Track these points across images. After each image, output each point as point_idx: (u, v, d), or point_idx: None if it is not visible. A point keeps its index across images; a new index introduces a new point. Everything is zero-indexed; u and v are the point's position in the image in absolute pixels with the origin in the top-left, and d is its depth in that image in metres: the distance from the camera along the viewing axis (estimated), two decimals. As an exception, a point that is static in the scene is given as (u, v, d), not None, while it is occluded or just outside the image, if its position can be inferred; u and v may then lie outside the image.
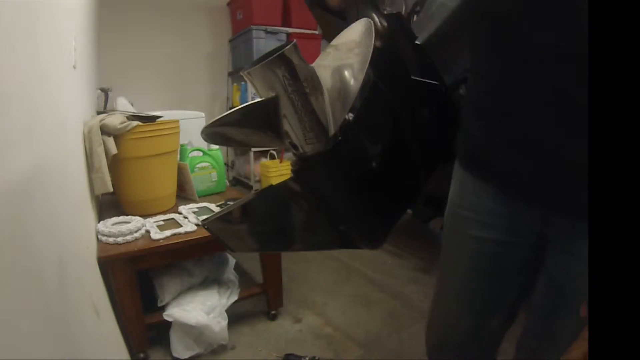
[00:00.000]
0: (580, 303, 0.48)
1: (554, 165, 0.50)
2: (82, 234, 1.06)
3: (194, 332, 1.35)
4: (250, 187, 3.38)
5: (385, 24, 0.62)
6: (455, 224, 0.68)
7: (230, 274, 1.61)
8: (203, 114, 2.39)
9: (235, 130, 0.55)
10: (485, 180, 0.61)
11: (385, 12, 0.64)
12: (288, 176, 0.56)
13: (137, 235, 1.28)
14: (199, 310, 1.35)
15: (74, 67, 1.23)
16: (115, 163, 1.35)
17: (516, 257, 0.62)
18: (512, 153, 0.54)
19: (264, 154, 3.28)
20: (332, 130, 0.51)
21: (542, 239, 0.59)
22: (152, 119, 1.45)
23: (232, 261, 1.64)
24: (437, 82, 0.66)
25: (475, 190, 0.63)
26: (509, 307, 0.69)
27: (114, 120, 1.33)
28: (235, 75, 3.51)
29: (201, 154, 1.81)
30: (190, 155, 1.77)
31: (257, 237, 0.65)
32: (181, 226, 1.36)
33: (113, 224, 1.30)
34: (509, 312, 0.70)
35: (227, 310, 1.44)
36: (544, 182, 0.52)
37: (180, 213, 1.51)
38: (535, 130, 0.50)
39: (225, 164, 2.31)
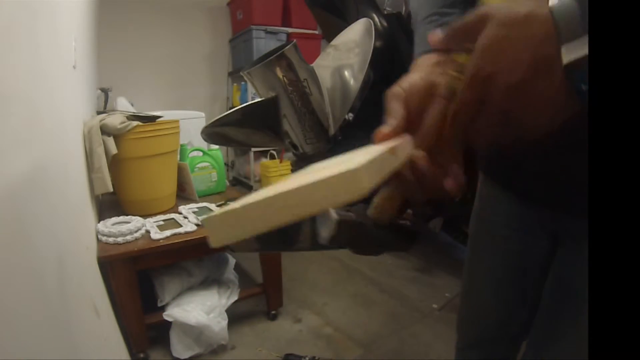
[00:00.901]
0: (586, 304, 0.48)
1: (563, 175, 0.51)
2: (82, 234, 1.06)
3: (194, 332, 1.35)
4: (250, 187, 3.37)
5: (385, 24, 0.62)
6: (480, 226, 0.73)
7: (230, 274, 1.61)
8: (203, 114, 2.39)
9: (235, 130, 0.55)
10: (500, 184, 0.65)
11: (385, 12, 0.64)
12: (288, 176, 0.56)
13: (137, 235, 1.27)
14: (199, 310, 1.35)
15: (74, 67, 1.23)
16: (115, 163, 1.35)
17: (536, 253, 0.66)
18: (524, 163, 0.56)
19: (264, 154, 3.28)
20: (332, 130, 0.51)
21: (554, 237, 0.61)
22: (152, 119, 1.45)
23: (232, 261, 1.64)
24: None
25: (494, 193, 0.68)
26: (535, 299, 0.72)
27: (114, 120, 1.33)
28: (235, 75, 3.51)
29: (201, 154, 1.81)
30: (190, 155, 1.77)
31: (257, 237, 0.65)
32: (181, 226, 1.35)
33: (113, 224, 1.30)
34: (536, 304, 0.74)
35: (227, 310, 1.44)
36: (554, 188, 0.53)
37: (180, 213, 1.51)
38: (545, 150, 0.51)
39: (225, 164, 2.31)
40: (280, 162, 3.05)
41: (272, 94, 0.47)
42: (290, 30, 3.23)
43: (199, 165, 1.76)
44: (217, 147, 1.86)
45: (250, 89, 3.17)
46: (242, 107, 0.50)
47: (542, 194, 0.57)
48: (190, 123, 1.96)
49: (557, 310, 0.61)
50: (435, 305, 1.73)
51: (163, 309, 1.37)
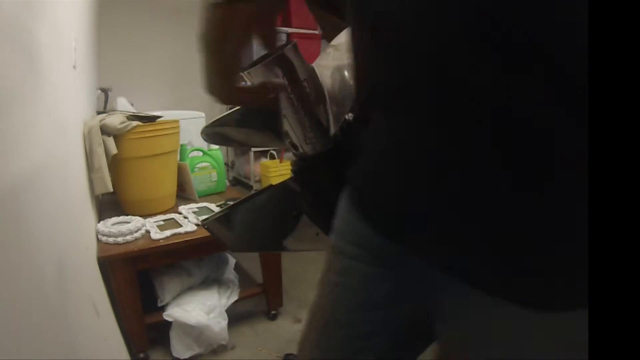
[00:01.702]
0: None
1: (448, 205, 0.33)
2: (82, 234, 1.06)
3: (194, 332, 1.35)
4: (250, 187, 3.37)
5: (385, 24, 0.62)
6: (332, 244, 0.50)
7: (230, 274, 1.61)
8: (203, 114, 2.40)
9: (235, 131, 0.55)
10: (352, 199, 0.46)
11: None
12: (288, 176, 0.56)
13: (137, 235, 1.28)
14: (199, 310, 1.36)
15: (74, 67, 1.23)
16: (115, 163, 1.35)
17: (383, 296, 0.43)
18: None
19: (264, 154, 3.28)
20: (332, 130, 0.51)
21: (424, 293, 0.40)
22: (152, 119, 1.45)
23: (232, 261, 1.64)
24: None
25: (345, 207, 0.47)
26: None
27: (114, 120, 1.33)
28: (235, 75, 3.51)
29: (201, 154, 1.81)
30: (190, 155, 1.77)
31: (256, 237, 0.65)
32: (181, 226, 1.36)
33: (113, 224, 1.30)
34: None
35: (227, 310, 1.44)
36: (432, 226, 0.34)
37: (180, 213, 1.51)
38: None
39: (225, 164, 2.31)
40: (280, 162, 3.05)
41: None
42: (290, 30, 3.23)
43: (199, 165, 1.76)
44: (217, 147, 1.86)
45: (250, 89, 3.17)
46: (242, 107, 0.50)
47: (414, 235, 0.36)
48: (190, 123, 1.96)
49: None
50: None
51: (163, 309, 1.37)
